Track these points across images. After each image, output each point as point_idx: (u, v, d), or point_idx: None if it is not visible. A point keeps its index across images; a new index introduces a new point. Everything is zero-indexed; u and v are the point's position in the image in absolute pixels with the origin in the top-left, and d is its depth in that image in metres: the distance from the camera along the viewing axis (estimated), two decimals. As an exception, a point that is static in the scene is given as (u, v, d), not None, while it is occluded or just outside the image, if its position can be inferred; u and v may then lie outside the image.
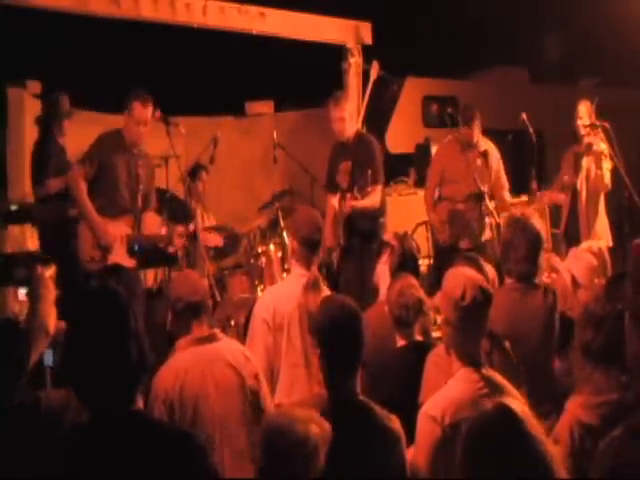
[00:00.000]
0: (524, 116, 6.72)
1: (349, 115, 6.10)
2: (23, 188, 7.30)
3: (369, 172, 5.76)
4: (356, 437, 2.77)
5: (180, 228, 5.84)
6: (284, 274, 6.20)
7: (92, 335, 2.21)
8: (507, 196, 6.59)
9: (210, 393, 3.41)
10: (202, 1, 7.33)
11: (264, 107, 10.13)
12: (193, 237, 6.12)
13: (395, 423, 2.95)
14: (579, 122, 6.74)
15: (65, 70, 8.48)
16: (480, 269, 3.92)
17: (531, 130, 6.67)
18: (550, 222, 7.67)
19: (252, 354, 3.75)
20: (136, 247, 5.72)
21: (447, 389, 3.02)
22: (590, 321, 2.87)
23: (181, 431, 2.67)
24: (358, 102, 8.04)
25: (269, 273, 6.50)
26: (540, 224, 4.16)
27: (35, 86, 8.03)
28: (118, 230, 5.66)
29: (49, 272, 3.54)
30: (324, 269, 5.70)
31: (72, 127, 6.84)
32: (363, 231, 5.91)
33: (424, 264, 7.62)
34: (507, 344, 3.60)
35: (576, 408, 2.85)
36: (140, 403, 2.30)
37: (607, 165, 6.67)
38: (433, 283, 5.57)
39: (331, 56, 8.46)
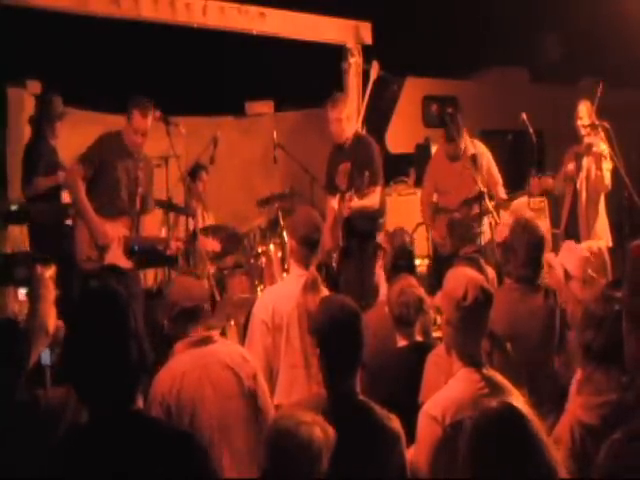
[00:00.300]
0: (524, 116, 6.71)
1: (347, 116, 6.09)
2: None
3: (366, 174, 5.77)
4: (356, 437, 2.77)
5: (179, 229, 5.85)
6: (284, 274, 6.19)
7: (92, 335, 2.21)
8: (501, 192, 6.57)
9: (207, 396, 3.40)
10: (202, 1, 7.33)
11: (264, 107, 10.13)
12: (193, 237, 6.13)
13: (395, 423, 2.94)
14: (579, 122, 6.74)
15: (65, 70, 8.48)
16: (480, 269, 3.93)
17: (531, 130, 6.66)
18: (550, 222, 7.67)
19: (251, 355, 3.75)
20: (135, 248, 5.72)
21: (448, 389, 3.02)
22: (590, 322, 2.87)
23: (181, 431, 2.67)
24: (358, 102, 8.04)
25: (269, 273, 6.50)
26: (543, 227, 4.17)
27: (35, 86, 8.03)
28: (116, 231, 5.65)
29: (49, 272, 3.54)
30: (323, 269, 5.70)
31: (72, 127, 6.84)
32: (362, 232, 5.91)
33: (424, 264, 7.64)
34: (508, 344, 3.60)
35: (577, 408, 2.85)
36: (140, 403, 2.29)
37: (607, 166, 6.67)
38: (433, 284, 5.57)
39: (331, 56, 8.46)
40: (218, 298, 5.89)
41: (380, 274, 5.15)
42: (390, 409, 2.99)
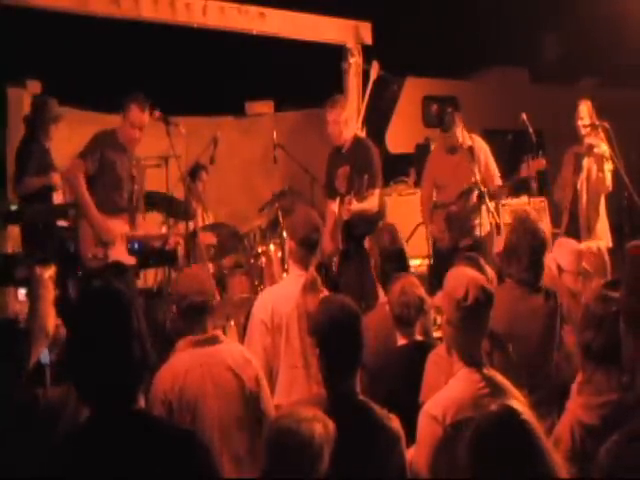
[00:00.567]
0: (524, 116, 6.71)
1: (345, 119, 6.08)
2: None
3: (365, 177, 5.79)
4: (356, 437, 2.76)
5: (179, 227, 5.84)
6: (284, 274, 6.19)
7: (95, 334, 2.21)
8: (498, 181, 6.58)
9: (209, 396, 3.39)
10: (202, 1, 7.34)
11: (264, 107, 10.13)
12: (193, 236, 6.13)
13: (395, 423, 2.94)
14: (579, 122, 6.74)
15: (65, 70, 8.49)
16: (480, 269, 3.92)
17: (531, 130, 6.66)
18: (551, 222, 7.67)
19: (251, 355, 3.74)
20: (136, 246, 5.72)
21: (448, 389, 3.02)
22: (590, 322, 2.86)
23: (183, 429, 2.66)
24: (358, 102, 8.05)
25: (269, 273, 6.50)
26: (545, 227, 4.17)
27: (35, 86, 8.03)
28: (118, 227, 5.65)
29: (48, 272, 3.55)
30: (323, 270, 5.70)
31: (72, 127, 6.84)
32: (361, 235, 5.91)
33: (424, 264, 7.63)
34: (509, 344, 3.60)
35: (577, 408, 2.85)
36: (142, 402, 2.29)
37: (608, 167, 6.67)
38: (433, 284, 5.57)
39: (331, 56, 8.47)
40: (218, 298, 5.89)
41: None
42: (390, 409, 2.99)
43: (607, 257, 5.00)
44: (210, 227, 7.11)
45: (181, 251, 6.07)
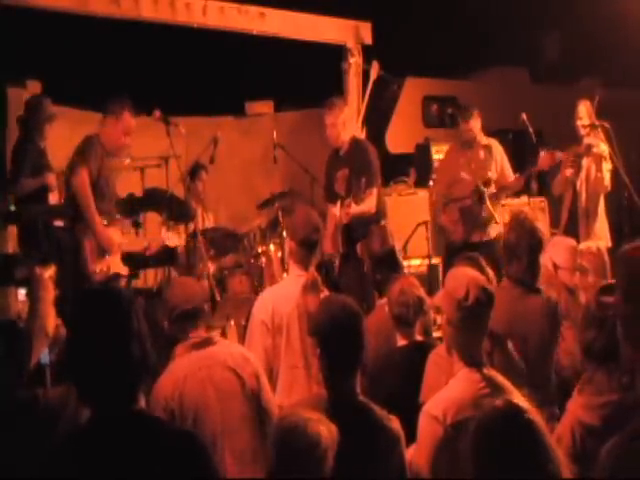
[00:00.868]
0: (524, 116, 6.72)
1: (343, 121, 6.08)
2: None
3: (363, 179, 5.80)
4: (356, 437, 2.76)
5: (179, 231, 5.85)
6: (284, 274, 6.19)
7: (95, 335, 2.21)
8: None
9: (210, 398, 3.39)
10: (202, 1, 7.34)
11: (264, 107, 10.13)
12: (193, 236, 6.13)
13: (395, 423, 2.95)
14: (579, 122, 6.74)
15: (65, 70, 8.49)
16: (481, 269, 3.92)
17: (531, 130, 6.67)
18: (550, 222, 7.67)
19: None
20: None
21: (449, 389, 3.02)
22: (591, 322, 2.86)
23: (184, 430, 2.67)
24: (358, 102, 8.05)
25: (269, 273, 6.50)
26: (543, 227, 4.18)
27: (35, 86, 8.03)
28: (116, 237, 5.61)
29: (48, 273, 3.54)
30: (323, 270, 5.71)
31: (71, 127, 6.84)
32: (360, 238, 5.91)
33: (424, 264, 7.64)
34: (509, 344, 3.60)
35: (577, 409, 2.85)
36: (142, 403, 2.29)
37: (607, 166, 6.67)
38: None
39: (331, 56, 8.46)
40: (218, 298, 5.89)
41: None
42: (390, 409, 2.99)
43: (607, 257, 5.01)
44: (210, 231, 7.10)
45: (182, 250, 6.09)
